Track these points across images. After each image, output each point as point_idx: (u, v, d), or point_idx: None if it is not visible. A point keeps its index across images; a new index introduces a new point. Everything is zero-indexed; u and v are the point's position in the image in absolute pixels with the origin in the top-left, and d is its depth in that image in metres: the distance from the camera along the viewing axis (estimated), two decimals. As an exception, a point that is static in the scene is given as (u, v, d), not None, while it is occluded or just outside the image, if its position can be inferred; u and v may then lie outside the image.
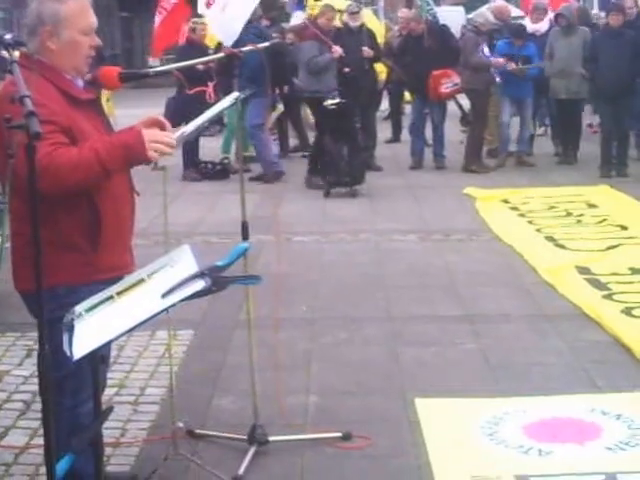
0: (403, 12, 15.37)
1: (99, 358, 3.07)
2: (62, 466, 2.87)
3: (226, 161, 12.96)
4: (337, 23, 12.34)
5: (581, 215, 9.64)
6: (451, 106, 13.98)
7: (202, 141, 12.70)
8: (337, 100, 11.15)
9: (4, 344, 5.99)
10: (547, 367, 5.48)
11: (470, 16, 13.88)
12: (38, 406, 2.86)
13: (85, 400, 3.43)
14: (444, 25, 13.48)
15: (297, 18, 15.63)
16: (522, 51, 12.62)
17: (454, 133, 14.38)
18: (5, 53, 2.99)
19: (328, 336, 6.11)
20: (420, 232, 9.12)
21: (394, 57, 13.83)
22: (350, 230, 9.26)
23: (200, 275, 2.96)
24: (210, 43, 13.82)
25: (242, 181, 4.51)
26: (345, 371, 5.48)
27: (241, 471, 4.15)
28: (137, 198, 3.81)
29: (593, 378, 5.26)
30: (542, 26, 13.60)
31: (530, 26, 13.61)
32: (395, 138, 15.43)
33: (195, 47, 12.22)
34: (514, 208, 10.13)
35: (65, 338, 2.93)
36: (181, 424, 4.43)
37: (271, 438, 4.41)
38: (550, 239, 8.60)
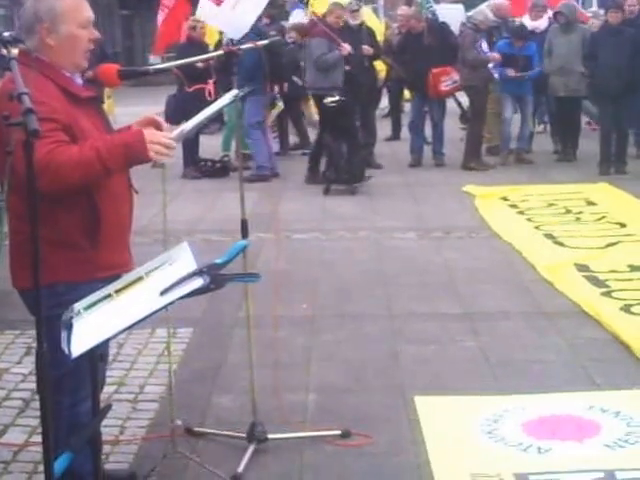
0: (402, 10, 15.34)
1: (98, 356, 3.07)
2: (60, 464, 2.86)
3: (226, 159, 12.96)
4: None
5: (580, 212, 9.64)
6: (450, 104, 13.99)
7: (202, 139, 12.70)
8: (337, 98, 11.15)
9: (3, 342, 6.00)
10: (546, 364, 5.48)
11: (470, 14, 13.85)
12: (37, 404, 2.85)
13: (84, 398, 3.43)
14: (444, 23, 13.47)
15: (297, 16, 15.62)
16: (523, 51, 12.61)
17: (453, 131, 14.38)
18: (4, 51, 2.99)
19: (327, 334, 6.11)
20: (419, 230, 9.12)
21: (393, 55, 13.83)
22: (350, 228, 9.26)
23: (199, 273, 2.96)
24: (210, 41, 13.82)
25: (242, 179, 4.51)
26: (344, 369, 5.48)
27: (240, 469, 4.15)
28: (136, 196, 3.81)
29: (592, 375, 5.26)
30: (541, 23, 13.60)
31: (529, 23, 13.60)
32: (395, 136, 15.43)
33: (195, 45, 12.21)
34: (513, 205, 10.13)
35: (63, 336, 2.93)
36: (180, 422, 4.43)
37: (270, 436, 4.41)
38: (549, 236, 8.61)
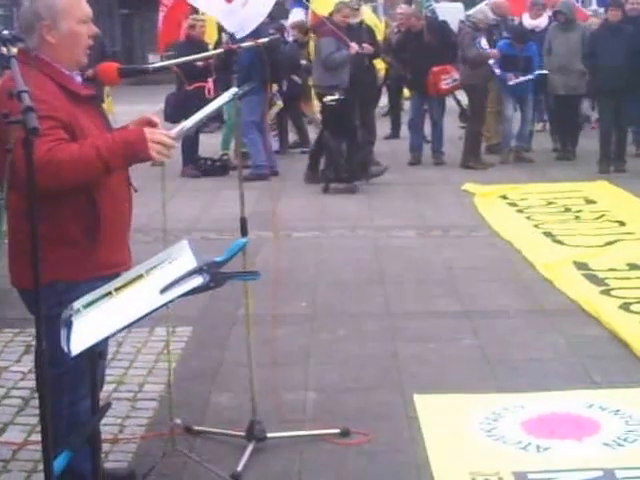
0: (402, 8, 15.34)
1: (97, 354, 3.07)
2: (60, 462, 2.86)
3: (225, 157, 12.96)
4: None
5: (579, 211, 9.64)
6: (450, 102, 13.98)
7: (201, 137, 12.71)
8: (336, 96, 11.15)
9: (2, 340, 6.00)
10: (545, 363, 5.48)
11: (469, 12, 13.85)
12: (36, 402, 2.85)
13: (84, 397, 3.42)
14: (444, 21, 13.47)
15: (296, 14, 15.60)
16: (523, 52, 12.61)
17: (453, 129, 14.38)
18: (4, 49, 2.99)
19: (327, 332, 6.11)
20: (419, 228, 9.13)
21: (393, 53, 13.82)
22: (349, 226, 9.26)
23: (198, 271, 2.96)
24: (209, 40, 13.83)
25: (241, 177, 4.51)
26: (344, 367, 5.48)
27: (239, 467, 4.15)
28: (136, 194, 3.81)
29: (591, 374, 5.27)
30: (541, 22, 13.60)
31: (529, 22, 13.61)
32: (394, 134, 15.43)
33: (194, 43, 12.20)
34: (512, 204, 10.13)
35: (63, 334, 2.93)
36: (179, 420, 4.43)
37: (269, 434, 4.41)
38: (548, 235, 8.61)
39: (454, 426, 4.61)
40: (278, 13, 16.84)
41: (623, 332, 5.82)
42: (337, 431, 4.51)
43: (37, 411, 2.83)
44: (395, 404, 4.91)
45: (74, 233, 3.53)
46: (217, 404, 4.99)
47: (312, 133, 14.10)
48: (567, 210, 9.71)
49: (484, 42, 12.36)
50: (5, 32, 3.05)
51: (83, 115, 3.53)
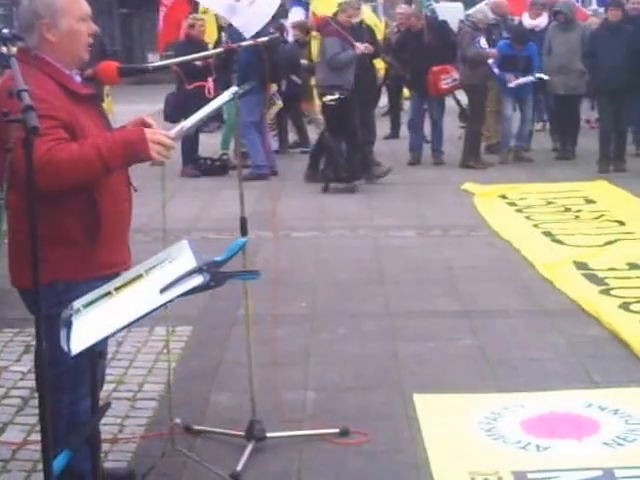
0: (402, 8, 15.34)
1: (97, 354, 3.07)
2: (59, 462, 2.86)
3: (225, 157, 12.96)
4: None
5: (579, 210, 9.64)
6: (450, 102, 13.98)
7: (201, 137, 12.71)
8: (336, 96, 11.14)
9: (2, 340, 5.99)
10: (545, 362, 5.48)
11: (469, 12, 13.85)
12: (36, 402, 2.85)
13: (84, 396, 3.42)
14: (444, 21, 13.47)
15: (296, 14, 15.60)
16: (523, 52, 12.61)
17: (452, 129, 14.37)
18: (4, 48, 2.99)
19: (326, 332, 6.11)
20: (418, 228, 9.13)
21: (393, 53, 13.81)
22: (349, 226, 9.26)
23: (198, 270, 2.96)
24: (209, 39, 13.83)
25: (241, 177, 4.51)
26: (343, 367, 5.48)
27: (239, 467, 4.15)
28: (135, 194, 3.81)
29: (591, 373, 5.27)
30: (541, 21, 13.60)
31: (529, 22, 13.60)
32: (394, 134, 15.42)
33: (194, 43, 12.20)
34: (512, 204, 10.13)
35: (63, 333, 2.93)
36: (179, 420, 4.43)
37: (269, 434, 4.41)
38: (548, 234, 8.61)
39: (454, 426, 4.61)
40: (278, 12, 16.82)
41: (623, 332, 5.82)
42: (337, 431, 4.51)
43: (36, 411, 2.84)
44: (395, 404, 4.91)
45: (74, 233, 3.53)
46: (217, 404, 4.99)
47: (312, 133, 14.10)
48: (567, 210, 9.71)
49: (483, 42, 12.36)
50: (5, 31, 3.05)
51: (83, 114, 3.53)
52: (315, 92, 14.19)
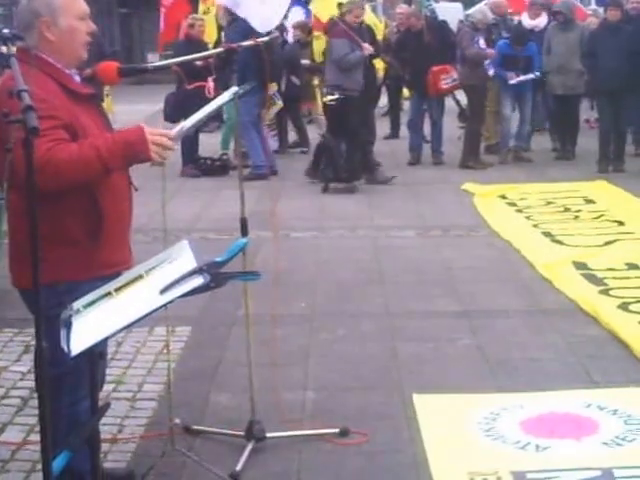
0: (402, 8, 15.35)
1: (97, 354, 3.07)
2: (59, 463, 2.87)
3: (225, 157, 12.96)
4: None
5: (578, 211, 9.65)
6: (449, 102, 13.98)
7: (201, 137, 12.71)
8: (336, 96, 11.15)
9: (2, 340, 5.99)
10: (544, 362, 5.49)
11: (469, 12, 13.85)
12: (35, 402, 2.85)
13: (84, 397, 3.42)
14: (443, 21, 13.47)
15: (296, 14, 15.61)
16: (523, 52, 12.61)
17: (452, 129, 14.37)
18: (3, 48, 2.99)
19: (326, 332, 6.11)
20: (418, 228, 9.13)
21: (393, 53, 13.82)
22: (348, 226, 9.27)
23: (199, 271, 2.96)
24: (208, 39, 13.83)
25: (241, 177, 4.51)
26: (343, 367, 5.49)
27: (238, 467, 4.15)
28: (135, 193, 3.81)
29: (590, 373, 5.27)
30: (541, 21, 13.60)
31: (528, 22, 13.60)
32: (393, 134, 15.43)
33: (193, 43, 12.20)
34: (512, 204, 10.14)
35: (63, 334, 2.93)
36: (178, 420, 4.44)
37: (268, 434, 4.42)
38: (547, 234, 8.61)
39: (453, 426, 4.62)
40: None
41: (622, 332, 5.82)
42: (336, 431, 4.52)
43: (36, 411, 2.84)
44: (394, 404, 4.91)
45: (76, 232, 3.53)
46: (216, 404, 4.99)
47: (312, 133, 14.11)
48: (566, 210, 9.71)
49: (482, 42, 12.36)
50: (5, 31, 3.05)
51: (84, 114, 3.54)
52: (318, 92, 14.22)
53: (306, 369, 5.46)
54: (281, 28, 14.32)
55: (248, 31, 10.95)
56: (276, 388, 4.79)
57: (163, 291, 2.93)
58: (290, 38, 14.76)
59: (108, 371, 4.70)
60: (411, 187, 11.30)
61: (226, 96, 4.29)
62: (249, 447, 4.32)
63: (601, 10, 15.08)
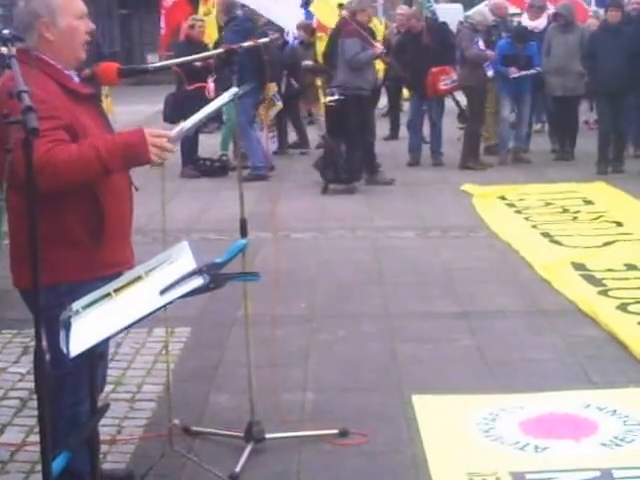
0: (402, 9, 15.36)
1: (98, 355, 3.07)
2: (58, 464, 2.87)
3: (224, 158, 12.96)
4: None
5: (577, 212, 9.65)
6: (449, 103, 13.98)
7: (201, 138, 12.71)
8: (336, 97, 11.15)
9: (1, 341, 5.99)
10: (543, 363, 5.49)
11: (469, 13, 13.86)
12: (34, 403, 2.85)
13: (85, 398, 3.41)
14: (444, 22, 13.47)
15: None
16: (524, 51, 12.62)
17: (452, 130, 14.38)
18: (4, 49, 2.99)
19: (325, 333, 6.12)
20: (417, 229, 9.14)
21: (393, 54, 13.82)
22: (348, 227, 9.27)
23: (198, 272, 2.96)
24: (208, 40, 13.84)
25: (240, 178, 4.51)
26: (342, 368, 5.49)
27: (238, 468, 4.15)
28: (135, 194, 3.82)
29: (589, 374, 5.28)
30: (540, 23, 13.60)
31: (528, 23, 13.61)
32: (393, 135, 15.43)
33: (193, 44, 12.21)
34: (511, 205, 10.14)
35: (62, 335, 2.93)
36: (177, 421, 4.44)
37: (268, 435, 4.42)
38: (546, 235, 8.62)
39: (452, 427, 4.62)
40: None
41: (621, 332, 5.83)
42: (336, 432, 4.52)
43: (35, 412, 2.84)
44: (393, 405, 4.92)
45: (77, 232, 3.53)
46: (216, 405, 5.00)
47: (312, 134, 14.12)
48: (565, 211, 9.72)
49: (481, 44, 12.37)
50: (5, 31, 3.05)
51: (84, 114, 3.55)
52: (321, 93, 14.23)
53: (306, 370, 5.46)
54: (281, 29, 14.34)
55: (246, 31, 10.97)
56: (276, 389, 4.80)
57: (163, 292, 2.93)
58: (291, 39, 14.76)
59: (107, 372, 4.71)
60: (410, 188, 11.31)
61: (226, 97, 4.29)
62: (248, 448, 4.32)
63: (601, 11, 15.08)
